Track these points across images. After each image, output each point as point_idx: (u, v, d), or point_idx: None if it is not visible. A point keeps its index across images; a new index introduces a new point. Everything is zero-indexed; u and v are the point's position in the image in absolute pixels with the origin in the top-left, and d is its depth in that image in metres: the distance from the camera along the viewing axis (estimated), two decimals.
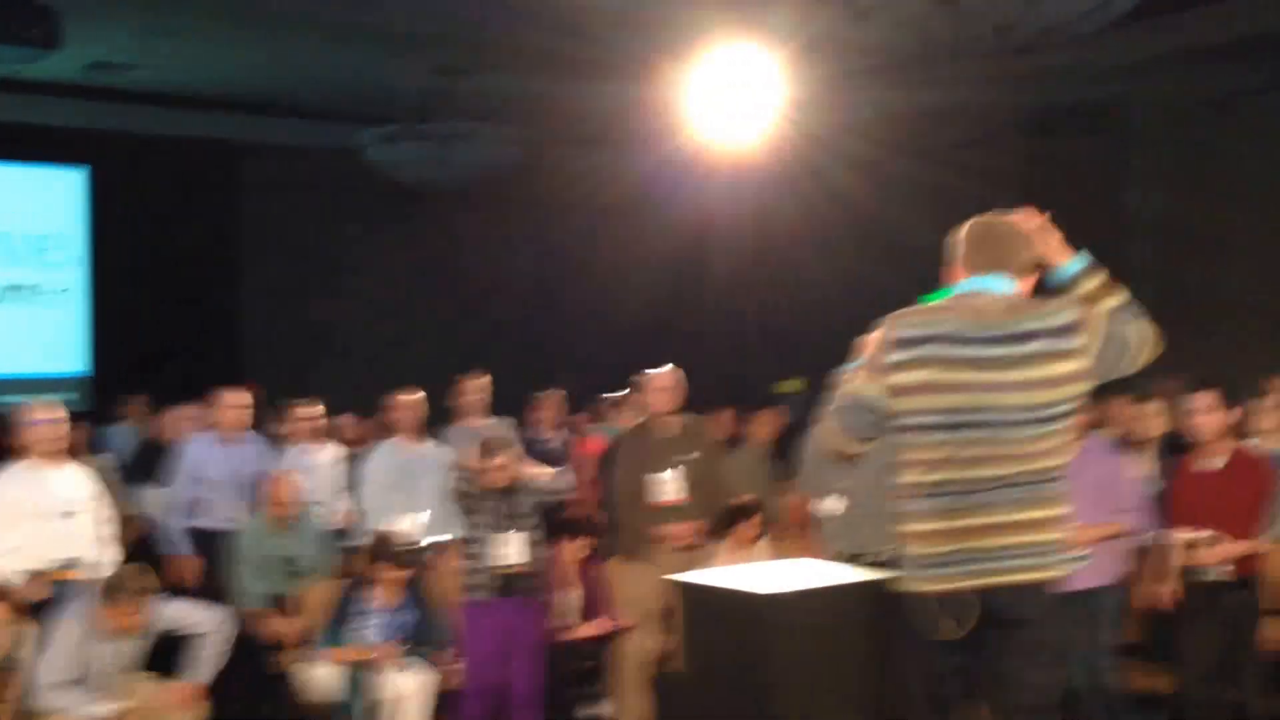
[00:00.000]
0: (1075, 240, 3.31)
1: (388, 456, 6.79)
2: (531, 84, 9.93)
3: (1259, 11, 8.72)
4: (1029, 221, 3.27)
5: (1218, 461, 5.07)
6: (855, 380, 3.25)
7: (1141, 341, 3.13)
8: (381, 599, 5.79)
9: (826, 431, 3.34)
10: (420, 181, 10.64)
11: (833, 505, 5.72)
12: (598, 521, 6.30)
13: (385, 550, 5.84)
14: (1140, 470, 5.81)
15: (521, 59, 9.28)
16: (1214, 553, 4.93)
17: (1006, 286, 3.18)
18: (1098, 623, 5.22)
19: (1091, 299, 3.14)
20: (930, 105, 10.29)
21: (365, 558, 5.97)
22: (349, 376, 10.55)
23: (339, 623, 5.75)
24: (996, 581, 3.02)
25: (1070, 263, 3.23)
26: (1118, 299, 3.17)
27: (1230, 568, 4.95)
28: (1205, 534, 4.94)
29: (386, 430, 7.14)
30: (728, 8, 7.01)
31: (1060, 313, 3.08)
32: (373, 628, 5.72)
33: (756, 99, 7.40)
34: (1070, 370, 3.05)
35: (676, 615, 4.02)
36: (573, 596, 5.98)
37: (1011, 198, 3.37)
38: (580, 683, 5.99)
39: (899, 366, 3.13)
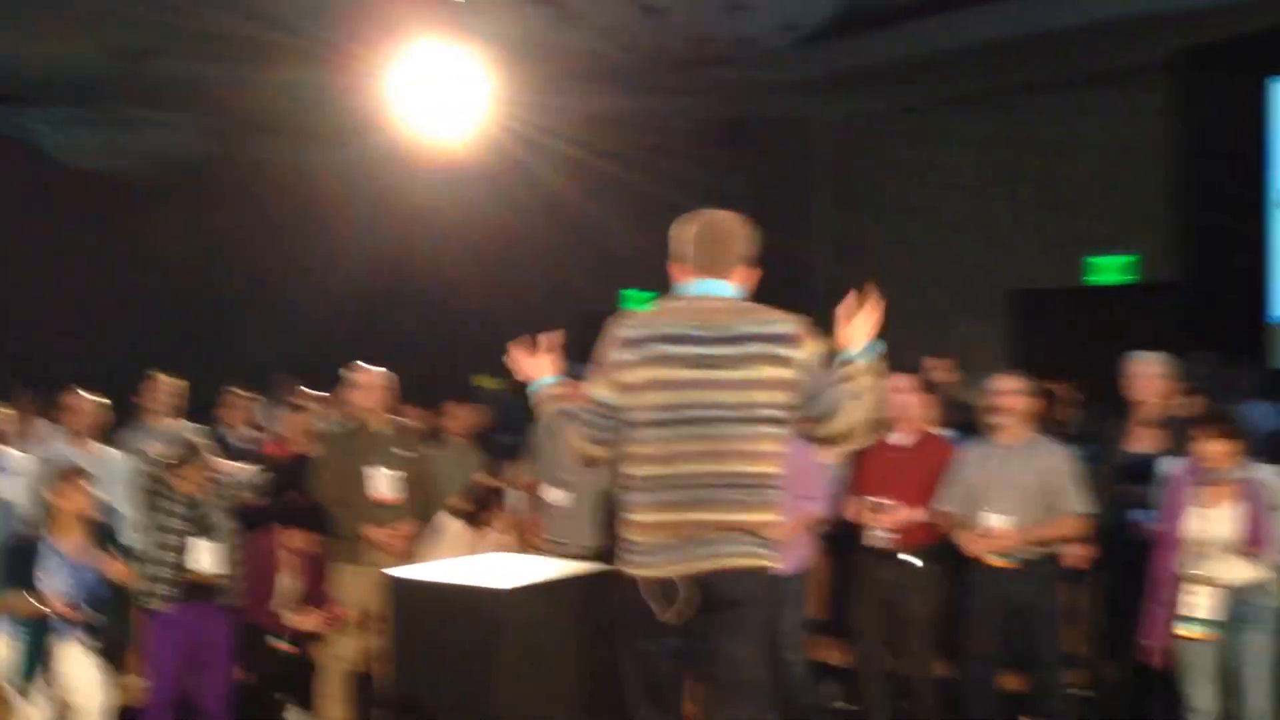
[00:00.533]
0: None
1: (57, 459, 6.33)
2: (224, 71, 9.53)
3: (937, 33, 9.47)
4: (848, 309, 3.32)
5: (908, 439, 5.48)
6: (591, 384, 3.34)
7: (852, 422, 3.20)
8: (70, 545, 5.34)
9: (569, 436, 3.39)
10: (102, 169, 10.01)
11: (558, 497, 5.88)
12: (322, 516, 6.15)
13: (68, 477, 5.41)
14: (827, 458, 6.21)
15: (211, 43, 8.88)
16: (884, 518, 5.31)
17: (729, 290, 3.33)
18: (787, 604, 5.57)
19: (848, 376, 3.26)
20: (631, 111, 10.59)
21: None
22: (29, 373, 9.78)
23: (21, 562, 5.26)
24: (712, 566, 3.16)
25: (858, 351, 3.29)
26: (868, 382, 3.25)
27: (897, 536, 5.35)
28: (883, 501, 5.33)
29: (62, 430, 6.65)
30: (433, 3, 6.99)
31: (780, 322, 3.25)
32: (57, 575, 5.26)
33: (462, 96, 7.42)
34: (782, 377, 3.20)
35: (389, 615, 3.99)
36: (290, 587, 5.82)
37: (705, 205, 3.49)
38: (281, 686, 5.83)
39: (625, 365, 3.25)
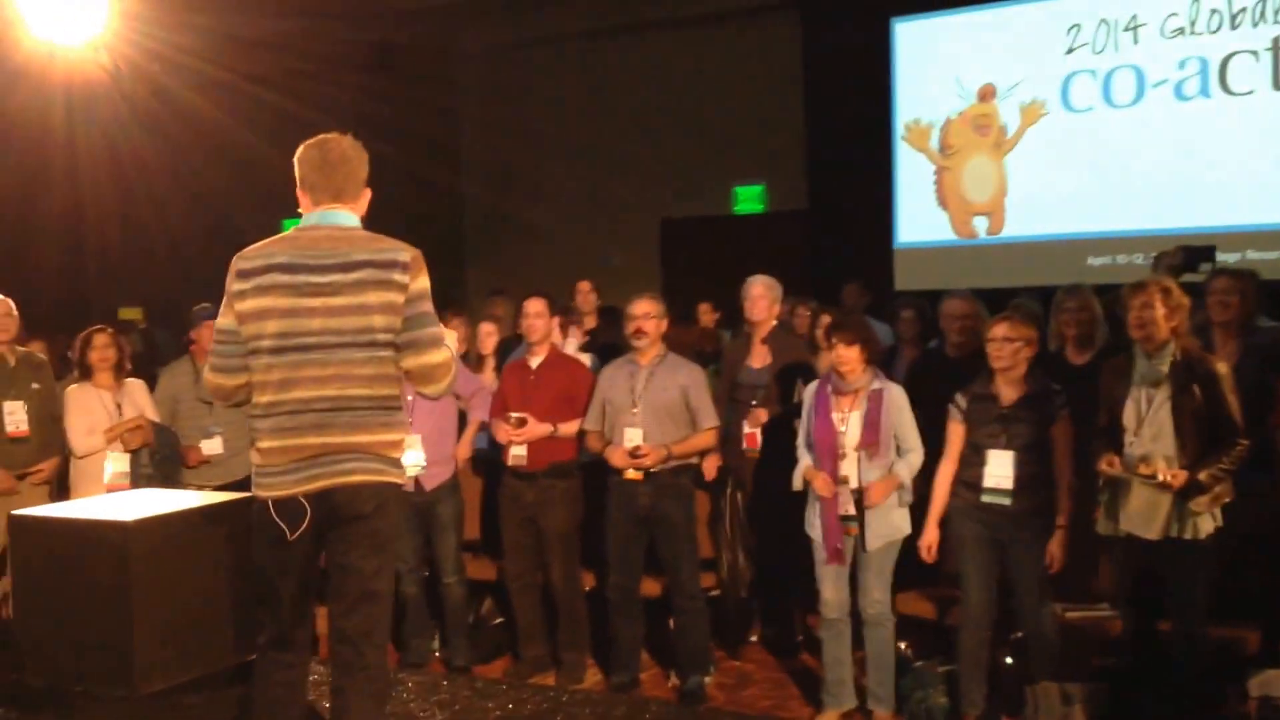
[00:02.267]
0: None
1: None
2: None
3: None
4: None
5: (539, 359, 5.70)
6: (220, 317, 3.34)
7: (425, 363, 3.28)
8: None
9: (207, 373, 3.40)
10: None
11: (211, 445, 5.85)
12: None
13: None
14: (487, 381, 6.38)
15: None
16: (518, 435, 5.53)
17: (346, 219, 3.37)
18: (444, 528, 5.73)
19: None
20: (274, 33, 10.22)
21: None
22: None
23: None
24: (335, 483, 3.24)
25: None
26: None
27: (523, 451, 5.58)
28: (515, 415, 5.54)
29: None
30: None
31: (396, 250, 3.31)
32: None
33: (88, 7, 6.98)
34: (394, 301, 3.27)
35: (11, 555, 3.82)
36: None
37: (351, 131, 3.50)
38: None
39: (242, 295, 3.26)
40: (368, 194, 3.44)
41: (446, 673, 5.60)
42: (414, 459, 5.19)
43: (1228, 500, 4.55)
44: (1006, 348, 4.86)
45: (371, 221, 3.45)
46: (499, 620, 6.12)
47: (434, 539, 5.75)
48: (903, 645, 5.23)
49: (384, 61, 11.61)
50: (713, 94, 11.23)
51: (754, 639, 6.06)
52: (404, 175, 9.74)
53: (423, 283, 3.30)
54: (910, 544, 5.04)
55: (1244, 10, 8.51)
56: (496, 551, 6.01)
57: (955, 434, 4.99)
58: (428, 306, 3.32)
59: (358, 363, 3.25)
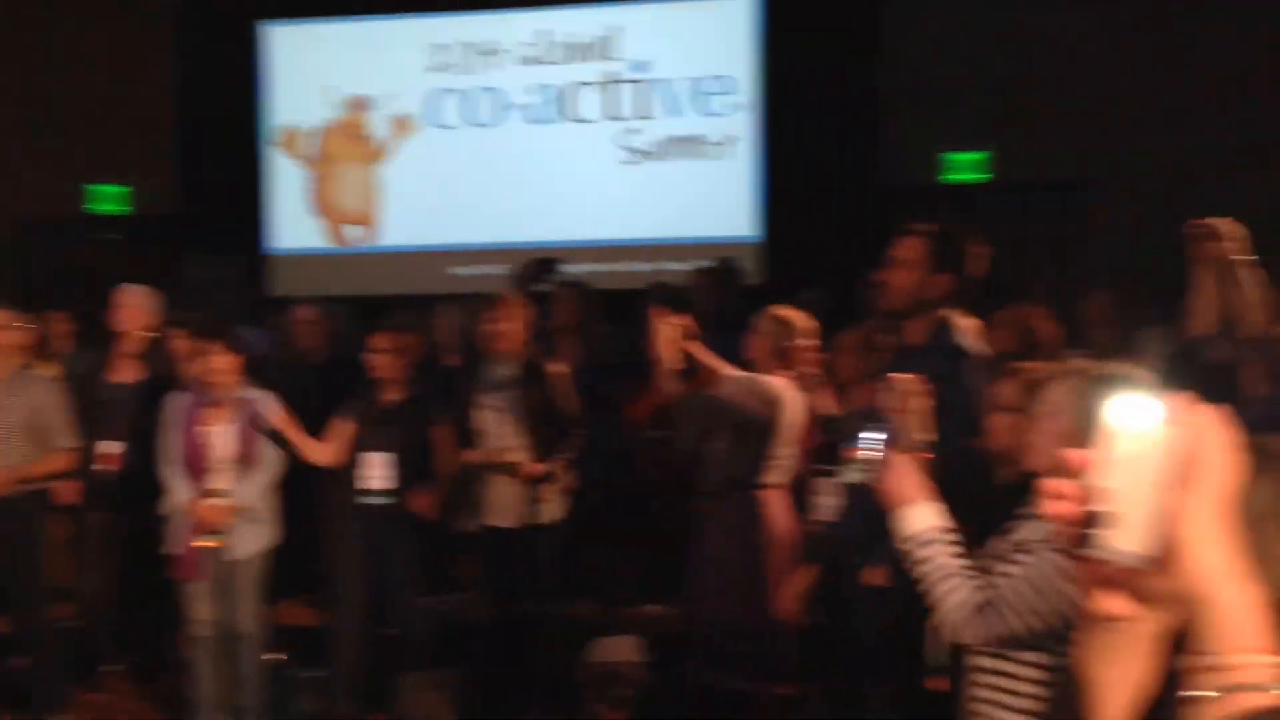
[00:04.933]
0: None
1: None
2: None
3: None
4: None
5: None
6: None
7: None
8: None
9: None
10: None
11: None
12: None
13: None
14: None
15: None
16: None
17: None
18: None
19: None
20: None
21: None
22: None
23: None
24: None
25: None
26: None
27: None
28: None
29: None
30: None
31: None
32: None
33: None
34: None
35: None
36: None
37: None
38: None
39: None
40: None
41: None
42: None
43: (571, 487, 5.09)
44: (385, 357, 5.06)
45: None
46: None
47: None
48: (280, 655, 5.25)
49: None
50: (73, 86, 10.42)
51: (117, 668, 5.75)
52: None
53: None
54: (287, 551, 5.07)
55: (588, 46, 9.42)
56: None
57: (339, 434, 5.08)
58: None
59: None
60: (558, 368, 5.12)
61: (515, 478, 4.93)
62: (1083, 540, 1.06)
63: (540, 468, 4.96)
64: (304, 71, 9.94)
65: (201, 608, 4.94)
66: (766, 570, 4.46)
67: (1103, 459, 1.06)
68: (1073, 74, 8.29)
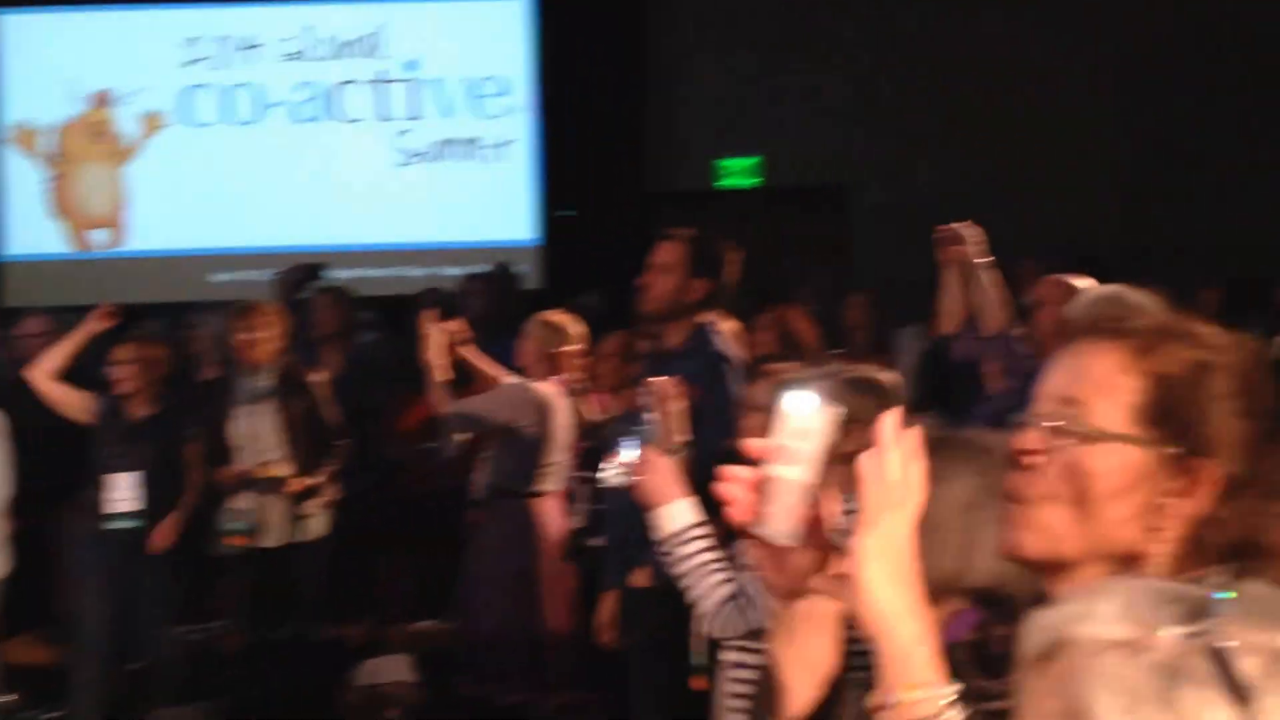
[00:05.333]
0: None
1: None
2: None
3: None
4: None
5: None
6: None
7: None
8: None
9: None
10: None
11: None
12: None
13: None
14: None
15: None
16: None
17: None
18: None
19: None
20: None
21: None
22: None
23: None
24: None
25: None
26: None
27: None
28: None
29: None
30: None
31: None
32: None
33: None
34: None
35: None
36: None
37: None
38: None
39: None
40: None
41: None
42: None
43: (336, 500, 4.86)
44: (130, 369, 4.75)
45: None
46: None
47: None
48: (12, 696, 4.81)
49: None
50: None
51: None
52: None
53: None
54: (17, 582, 4.64)
55: (355, 43, 9.10)
56: None
57: None
58: None
59: None
60: (318, 377, 4.88)
61: (276, 493, 4.67)
62: (753, 522, 1.17)
63: (303, 482, 4.72)
64: (42, 64, 9.27)
65: None
66: (540, 579, 4.39)
67: (772, 447, 1.17)
68: (837, 82, 8.50)
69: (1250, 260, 7.19)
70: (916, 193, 7.94)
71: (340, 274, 6.98)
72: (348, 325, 5.74)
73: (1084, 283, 3.58)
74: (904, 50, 8.40)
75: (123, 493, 4.67)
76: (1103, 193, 8.26)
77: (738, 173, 8.60)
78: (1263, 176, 7.95)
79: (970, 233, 4.11)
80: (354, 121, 9.17)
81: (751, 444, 1.18)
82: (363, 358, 5.71)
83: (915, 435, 1.13)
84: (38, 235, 9.26)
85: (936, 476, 1.16)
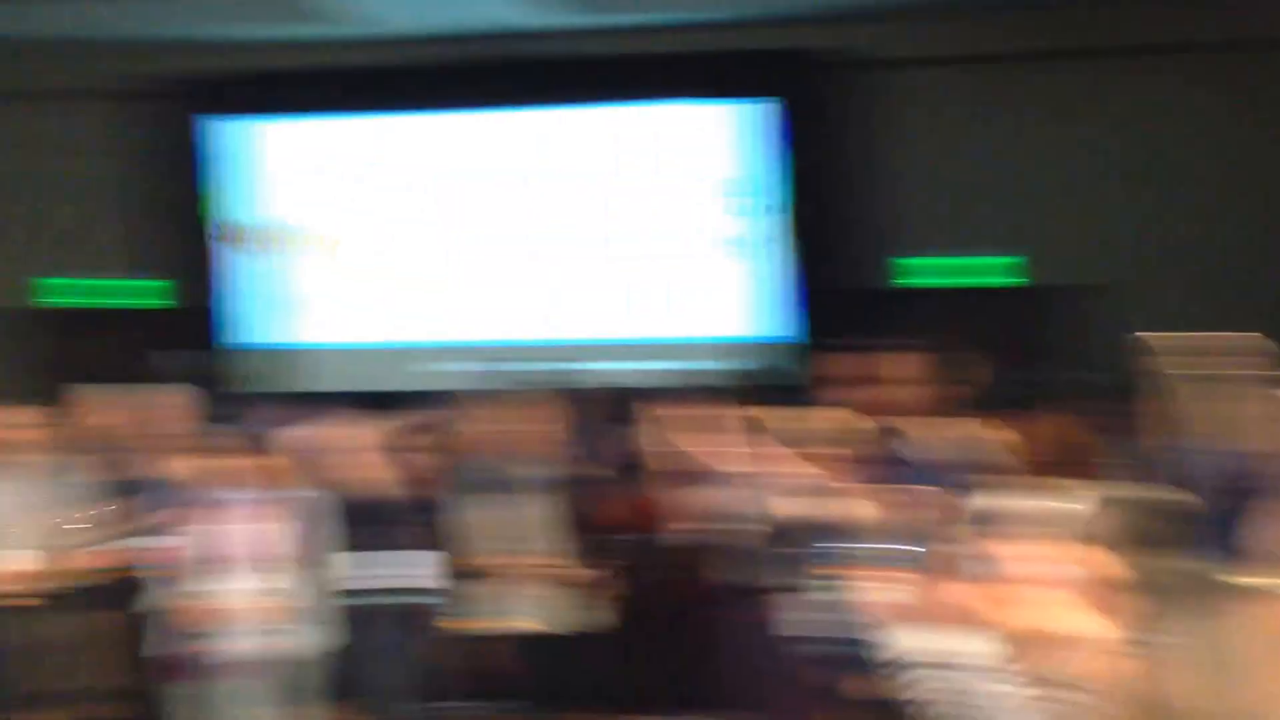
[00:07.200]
0: None
1: None
2: None
3: None
4: None
5: None
6: None
7: None
8: None
9: None
10: None
11: None
12: None
13: None
14: None
15: None
16: None
17: None
18: None
19: None
20: None
21: None
22: None
23: None
24: None
25: None
26: None
27: None
28: None
29: None
30: None
31: None
32: None
33: None
34: None
35: None
36: None
37: None
38: None
39: None
40: None
41: None
42: None
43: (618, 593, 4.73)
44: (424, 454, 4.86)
45: None
46: None
47: None
48: None
49: None
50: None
51: None
52: None
53: None
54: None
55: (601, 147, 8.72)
56: None
57: None
58: None
59: None
60: (597, 470, 4.92)
61: (558, 584, 4.71)
62: None
63: (585, 574, 4.73)
64: (298, 166, 9.49)
65: None
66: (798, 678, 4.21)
67: None
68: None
69: None
70: None
71: (599, 366, 7.02)
72: (622, 418, 5.79)
73: None
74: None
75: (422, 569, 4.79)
76: None
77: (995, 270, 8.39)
78: None
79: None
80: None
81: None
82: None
83: None
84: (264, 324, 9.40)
85: None
